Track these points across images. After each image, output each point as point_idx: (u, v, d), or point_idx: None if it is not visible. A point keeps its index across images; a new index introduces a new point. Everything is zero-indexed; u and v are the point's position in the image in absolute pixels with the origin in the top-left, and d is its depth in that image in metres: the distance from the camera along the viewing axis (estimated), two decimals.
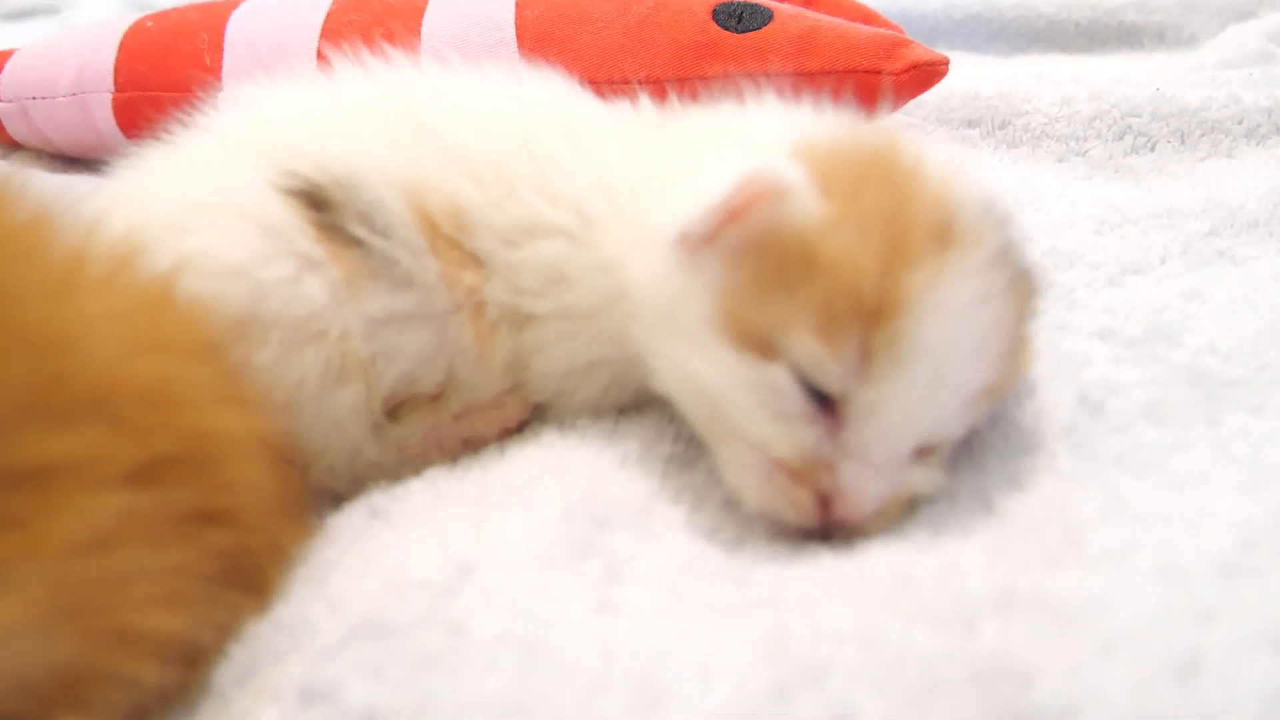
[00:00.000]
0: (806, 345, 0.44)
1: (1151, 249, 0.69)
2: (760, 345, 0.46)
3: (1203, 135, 0.89)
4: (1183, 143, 0.89)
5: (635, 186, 0.55)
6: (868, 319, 0.44)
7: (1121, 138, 0.90)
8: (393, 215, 0.55)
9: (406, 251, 0.55)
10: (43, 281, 0.43)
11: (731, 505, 0.50)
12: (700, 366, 0.47)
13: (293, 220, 0.54)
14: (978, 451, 0.52)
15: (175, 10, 1.00)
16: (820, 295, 0.44)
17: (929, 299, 0.44)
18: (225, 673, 0.44)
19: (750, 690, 0.38)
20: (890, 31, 0.89)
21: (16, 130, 1.03)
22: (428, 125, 0.59)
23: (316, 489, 0.56)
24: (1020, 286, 0.49)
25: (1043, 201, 0.79)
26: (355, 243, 0.54)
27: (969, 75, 1.18)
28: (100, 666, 0.41)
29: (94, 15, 1.85)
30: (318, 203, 0.55)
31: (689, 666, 0.39)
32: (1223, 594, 0.39)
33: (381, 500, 0.54)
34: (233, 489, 0.47)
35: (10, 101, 1.00)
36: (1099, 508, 0.45)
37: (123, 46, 0.97)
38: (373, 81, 0.63)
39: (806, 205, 0.45)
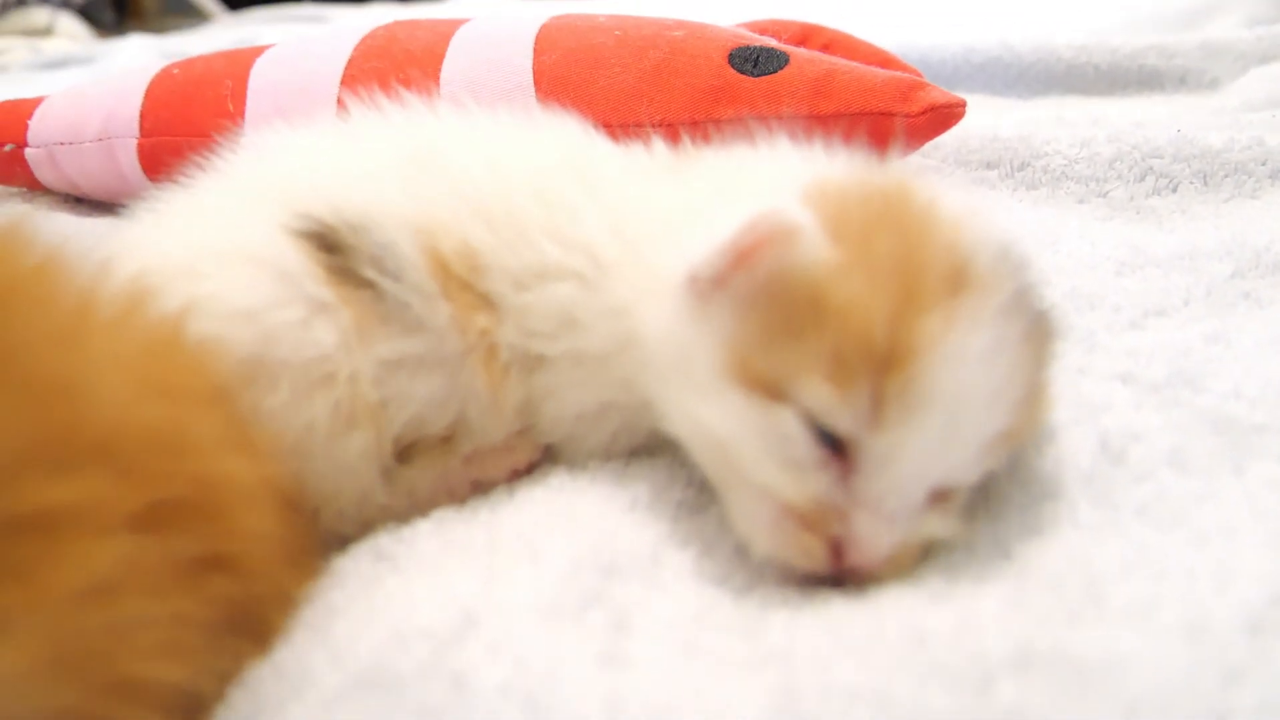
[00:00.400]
0: (817, 391, 0.44)
1: (1174, 291, 0.68)
2: (770, 390, 0.45)
3: (1226, 176, 0.88)
4: (1205, 184, 0.88)
5: (647, 230, 0.55)
6: (879, 365, 0.43)
7: (1143, 179, 0.89)
8: (404, 258, 0.55)
9: (418, 295, 0.55)
10: (50, 328, 0.43)
11: (741, 552, 0.49)
12: (710, 413, 0.47)
13: (303, 264, 0.54)
14: (995, 499, 0.50)
15: (201, 58, 1.01)
16: (830, 341, 0.43)
17: (942, 345, 0.43)
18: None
19: None
20: (907, 75, 0.89)
21: (44, 176, 1.04)
22: (441, 167, 0.59)
23: (324, 533, 0.56)
24: (1037, 332, 0.48)
25: (1062, 243, 0.79)
26: (367, 285, 0.54)
27: (987, 118, 1.18)
28: (100, 717, 0.40)
29: (127, 64, 1.90)
30: (330, 245, 0.55)
31: None
32: (1251, 653, 0.37)
33: (388, 543, 0.53)
34: (238, 536, 0.47)
35: (39, 147, 1.02)
36: (1121, 561, 0.43)
37: (149, 93, 0.99)
38: (387, 125, 0.64)
39: (816, 249, 0.45)
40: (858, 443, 0.44)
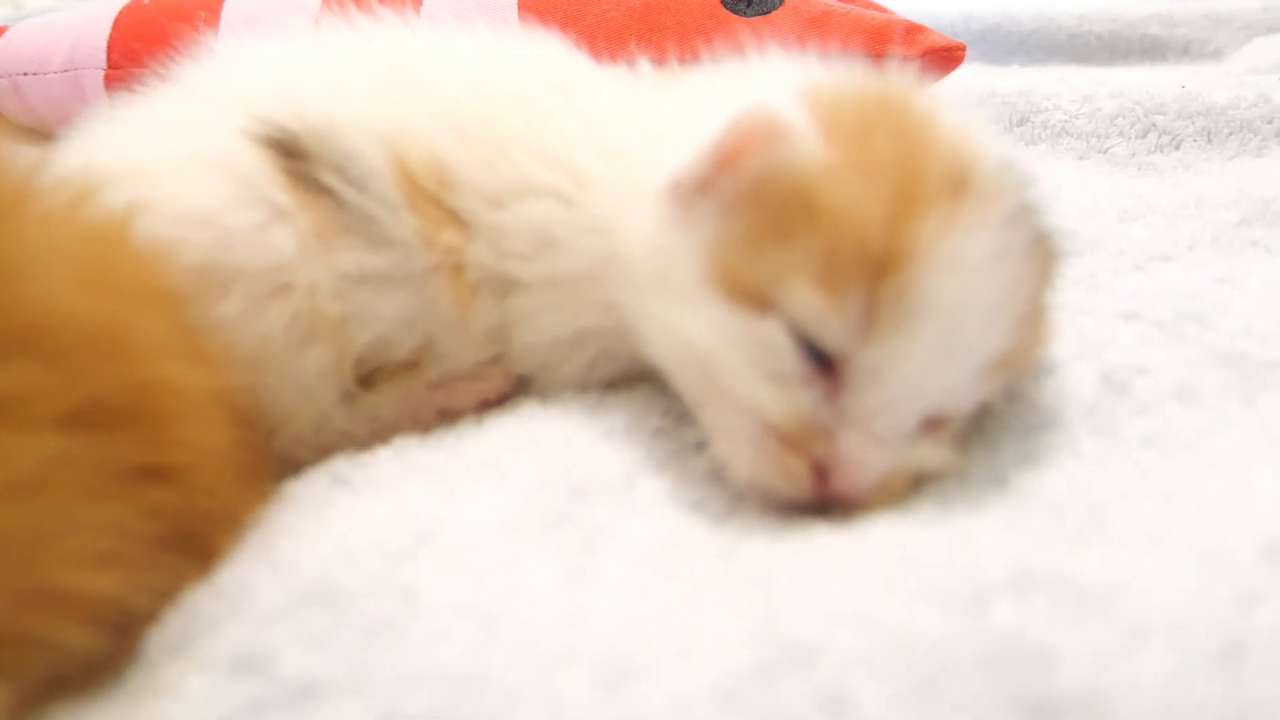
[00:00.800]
0: (805, 297, 0.40)
1: (1179, 238, 0.65)
2: (755, 299, 0.42)
3: (1231, 134, 0.85)
4: (1210, 141, 0.85)
5: (630, 145, 0.52)
6: (873, 271, 0.40)
7: (1145, 135, 0.87)
8: (369, 167, 0.52)
9: (382, 205, 0.52)
10: None
11: (720, 479, 0.46)
12: (690, 323, 0.43)
13: (262, 168, 0.50)
14: (991, 430, 0.47)
15: None
16: (821, 244, 0.40)
17: (940, 250, 0.40)
18: (157, 640, 0.40)
19: (732, 670, 0.33)
20: (905, 19, 0.85)
21: (7, 107, 1.00)
22: (414, 79, 0.56)
23: (280, 457, 0.53)
24: (1040, 250, 0.45)
25: (1062, 191, 0.76)
26: (328, 193, 0.51)
27: (987, 78, 1.15)
28: (18, 626, 0.37)
29: None
30: (291, 151, 0.52)
31: (665, 644, 0.35)
32: (1267, 577, 0.34)
33: (346, 467, 0.50)
34: (182, 446, 0.43)
35: (3, 77, 0.98)
36: (1125, 488, 0.41)
37: (117, 24, 0.95)
38: (359, 36, 0.60)
39: (807, 148, 0.42)
40: (847, 356, 0.41)
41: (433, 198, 0.53)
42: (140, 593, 0.41)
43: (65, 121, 0.99)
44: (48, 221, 0.43)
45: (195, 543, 0.44)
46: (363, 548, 0.40)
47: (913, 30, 0.81)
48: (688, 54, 0.83)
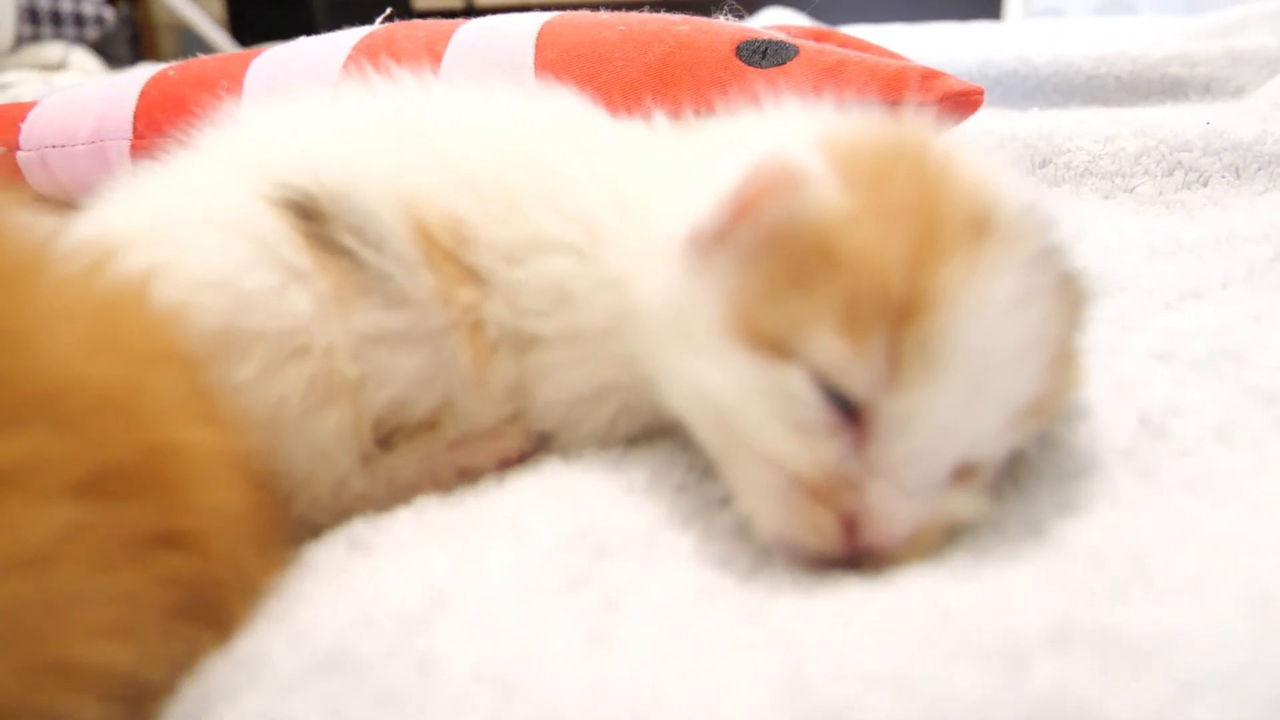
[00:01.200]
0: (827, 345, 0.39)
1: (1211, 275, 0.64)
2: (776, 349, 0.41)
3: (1260, 169, 0.84)
4: (1238, 177, 0.84)
5: (645, 197, 0.52)
6: (896, 317, 0.39)
7: (1171, 173, 0.85)
8: (386, 227, 0.52)
9: (399, 265, 0.51)
10: None
11: (746, 535, 0.44)
12: (710, 374, 0.43)
13: (280, 230, 0.50)
14: (1025, 478, 0.46)
15: (197, 60, 0.99)
16: (842, 291, 0.39)
17: (964, 294, 0.39)
18: (174, 712, 0.39)
19: None
20: (921, 66, 0.85)
21: (35, 180, 1.02)
22: (428, 137, 0.56)
23: (298, 522, 0.52)
24: (1067, 291, 0.44)
25: (1089, 230, 0.74)
26: (346, 254, 0.51)
27: (1006, 122, 1.14)
28: (29, 701, 0.36)
29: None
30: (308, 214, 0.52)
31: (689, 708, 0.33)
32: None
33: (364, 531, 0.49)
34: (197, 512, 0.43)
35: (31, 151, 1.00)
36: (1169, 535, 0.39)
37: (143, 95, 0.97)
38: (374, 97, 0.61)
39: (826, 195, 0.41)
40: (873, 405, 0.40)
41: (450, 255, 0.53)
42: (155, 663, 0.40)
43: (89, 193, 1.02)
44: (61, 287, 0.43)
45: (212, 611, 0.43)
46: (380, 615, 0.39)
47: (929, 76, 0.81)
48: (704, 107, 0.83)
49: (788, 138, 0.46)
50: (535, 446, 0.56)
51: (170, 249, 0.49)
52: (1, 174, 1.02)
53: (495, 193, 0.54)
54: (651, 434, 0.55)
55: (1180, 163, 0.86)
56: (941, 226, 0.40)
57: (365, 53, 0.92)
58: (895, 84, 0.80)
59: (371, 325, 0.51)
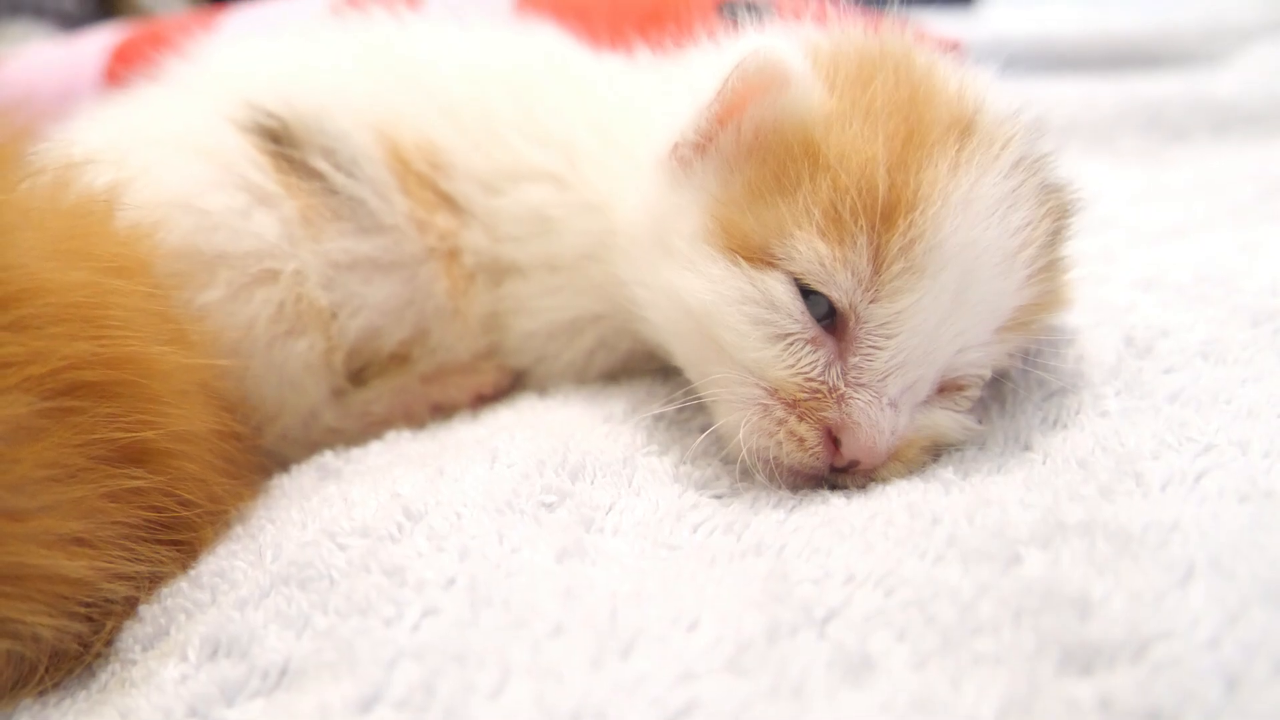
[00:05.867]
0: (810, 247, 0.38)
1: (1195, 214, 0.63)
2: (758, 255, 0.40)
3: (1239, 125, 0.84)
4: (1219, 133, 0.83)
5: (628, 122, 0.51)
6: (880, 218, 0.38)
7: (1152, 129, 0.85)
8: (359, 150, 0.50)
9: (373, 189, 0.50)
10: None
11: (727, 459, 0.43)
12: (690, 284, 0.41)
13: (245, 151, 0.49)
14: (1010, 397, 0.45)
15: (167, 19, 0.98)
16: (825, 193, 0.38)
17: (948, 194, 0.38)
18: (133, 633, 0.38)
19: (741, 636, 0.31)
20: None
21: None
22: (406, 66, 0.55)
23: (269, 454, 0.51)
24: (1052, 200, 0.43)
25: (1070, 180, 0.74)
26: (316, 177, 0.50)
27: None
28: None
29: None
30: (278, 138, 0.50)
31: (669, 613, 0.32)
32: None
33: (334, 460, 0.48)
34: (162, 429, 0.41)
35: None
36: (1158, 440, 0.38)
37: (115, 53, 0.95)
38: (349, 30, 0.59)
39: (810, 96, 0.40)
40: (855, 311, 0.39)
41: (426, 181, 0.51)
42: (114, 581, 0.39)
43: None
44: (29, 197, 0.41)
45: (176, 533, 0.42)
46: (347, 531, 0.38)
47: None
48: None
49: (772, 40, 0.45)
50: (511, 383, 0.55)
51: (135, 167, 0.47)
52: None
53: (475, 121, 0.53)
54: (630, 372, 0.54)
55: (1162, 117, 0.85)
56: (926, 128, 0.39)
57: (346, 5, 0.90)
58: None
59: (343, 251, 0.50)
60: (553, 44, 0.59)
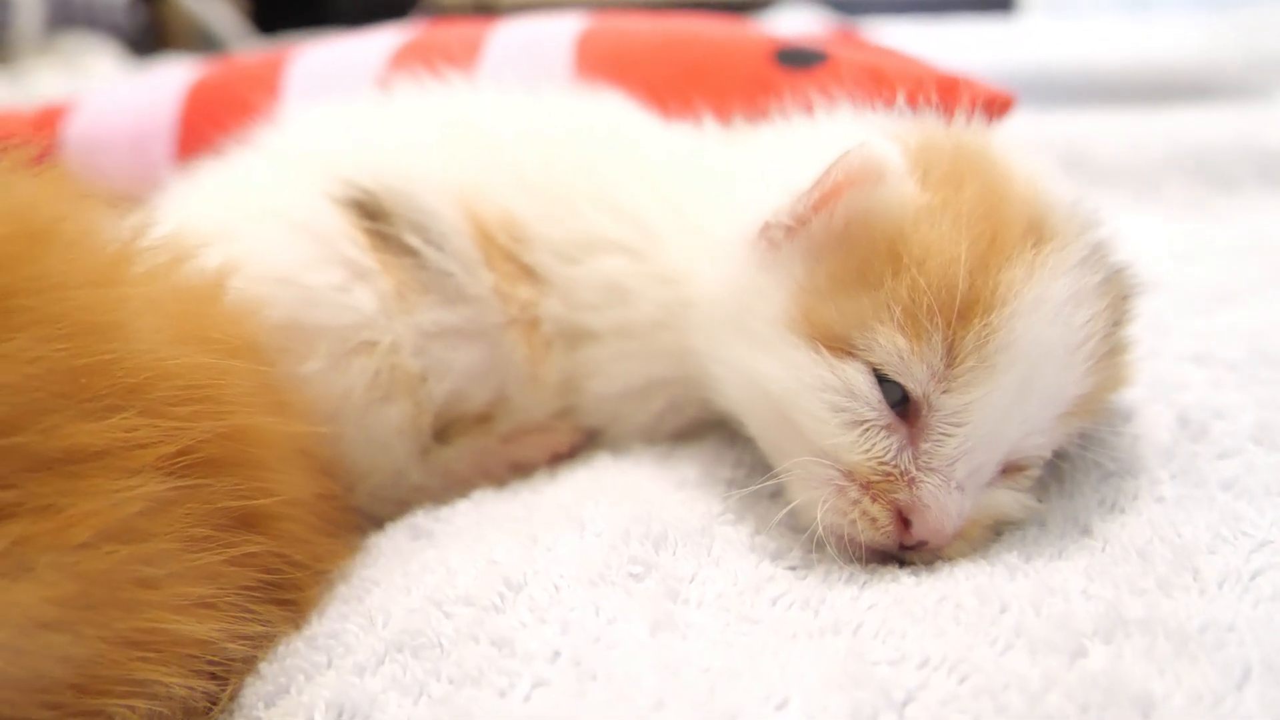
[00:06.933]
0: (891, 342, 0.41)
1: (1244, 277, 0.65)
2: (837, 345, 0.43)
3: None
4: (1269, 181, 0.85)
5: (700, 196, 0.53)
6: (957, 316, 0.41)
7: (1200, 177, 0.87)
8: (447, 225, 0.53)
9: (460, 263, 0.53)
10: (87, 270, 0.41)
11: (798, 529, 0.46)
12: (770, 368, 0.44)
13: (344, 228, 0.52)
14: (1068, 476, 0.47)
15: (234, 62, 1.02)
16: (908, 288, 0.41)
17: (1024, 296, 0.41)
18: (255, 690, 0.41)
19: (828, 716, 0.33)
20: (950, 72, 0.87)
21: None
22: (484, 138, 0.58)
23: (359, 512, 0.54)
24: (1114, 288, 0.45)
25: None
26: (408, 252, 0.53)
27: (1031, 124, 1.16)
28: (122, 671, 0.38)
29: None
30: (371, 212, 0.53)
31: (760, 690, 0.35)
32: None
33: (425, 521, 0.51)
34: (271, 496, 0.45)
35: (72, 150, 1.02)
36: (1213, 533, 0.40)
37: (188, 98, 0.99)
38: (427, 97, 0.62)
39: (903, 191, 0.43)
40: (928, 401, 0.42)
41: (508, 254, 0.54)
42: (235, 641, 0.42)
43: (133, 187, 1.04)
44: (146, 280, 0.45)
45: (284, 592, 0.45)
46: (451, 599, 0.41)
47: (959, 81, 0.82)
48: (740, 109, 0.85)
49: (866, 133, 0.47)
50: (584, 441, 0.58)
51: (241, 245, 0.51)
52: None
53: (550, 192, 0.56)
54: (697, 430, 0.57)
55: (1210, 165, 0.87)
56: (1006, 230, 0.42)
57: (405, 55, 0.93)
58: (928, 89, 0.81)
59: (432, 322, 0.53)
60: (622, 114, 0.61)
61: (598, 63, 0.89)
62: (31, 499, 0.36)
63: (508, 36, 0.94)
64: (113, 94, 1.06)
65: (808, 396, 0.43)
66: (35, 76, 2.30)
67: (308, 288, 0.51)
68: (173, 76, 1.03)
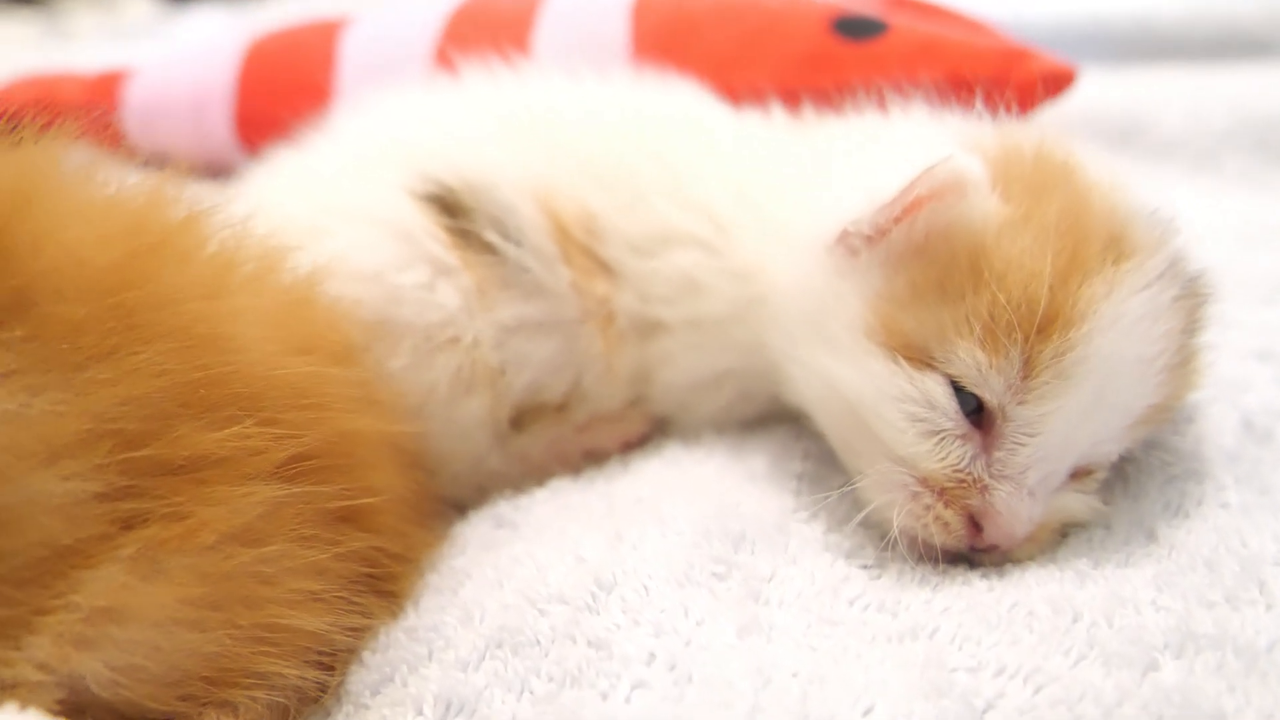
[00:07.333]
0: (970, 355, 0.42)
1: None
2: (916, 355, 0.44)
3: None
4: None
5: (773, 191, 0.54)
6: (1036, 331, 0.42)
7: (1260, 151, 0.86)
8: (525, 221, 0.55)
9: (538, 259, 0.55)
10: (197, 281, 0.43)
11: (868, 524, 0.48)
12: (848, 375, 0.46)
13: (427, 226, 0.54)
14: (1133, 478, 0.49)
15: (287, 31, 1.02)
16: (989, 304, 0.42)
17: (1104, 312, 0.42)
18: (361, 679, 0.44)
19: None
20: (1012, 43, 0.86)
21: (138, 142, 1.06)
22: (558, 132, 0.59)
23: (442, 499, 0.56)
24: (1189, 298, 0.46)
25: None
26: (487, 249, 0.54)
27: (1086, 88, 1.14)
28: (246, 663, 0.41)
29: (204, 36, 1.90)
30: (450, 208, 0.55)
31: (847, 696, 0.37)
32: None
33: (507, 510, 0.53)
34: (370, 492, 0.47)
35: (132, 116, 1.04)
36: (1279, 544, 0.42)
37: (245, 63, 1.00)
38: (498, 87, 0.63)
39: (985, 205, 0.43)
40: (1004, 411, 0.43)
41: (584, 249, 0.56)
42: (342, 632, 0.45)
43: (192, 154, 1.05)
44: (249, 288, 0.47)
45: (386, 584, 0.48)
46: (544, 597, 0.43)
47: (1022, 55, 0.81)
48: (796, 81, 0.85)
49: (938, 143, 0.48)
50: (654, 429, 0.60)
51: (328, 245, 0.52)
52: (105, 137, 1.06)
53: (624, 186, 0.57)
54: (765, 419, 0.59)
55: (1269, 140, 0.86)
56: (1088, 244, 0.42)
57: (459, 26, 0.93)
58: (988, 63, 0.81)
59: (512, 316, 0.54)
60: (693, 106, 0.62)
61: (653, 33, 0.89)
62: (161, 506, 0.39)
63: (562, 3, 0.94)
64: (170, 60, 1.07)
65: (887, 406, 0.44)
66: (72, 19, 2.30)
67: (394, 286, 0.52)
68: (227, 41, 1.04)
